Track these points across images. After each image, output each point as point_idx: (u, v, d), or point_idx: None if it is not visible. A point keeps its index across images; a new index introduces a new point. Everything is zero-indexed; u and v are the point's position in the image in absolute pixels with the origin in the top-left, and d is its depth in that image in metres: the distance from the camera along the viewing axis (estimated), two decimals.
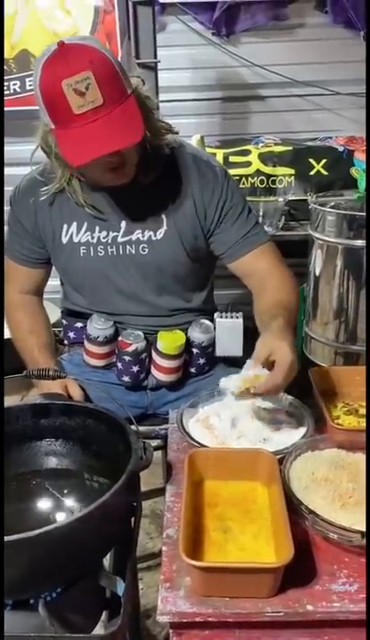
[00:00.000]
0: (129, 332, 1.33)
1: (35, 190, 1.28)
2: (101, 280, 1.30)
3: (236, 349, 1.37)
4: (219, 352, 1.38)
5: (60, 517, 0.97)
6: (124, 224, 1.25)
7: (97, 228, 1.26)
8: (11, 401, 1.14)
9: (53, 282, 1.45)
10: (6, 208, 1.37)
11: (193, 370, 1.39)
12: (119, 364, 1.35)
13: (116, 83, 1.04)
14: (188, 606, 0.72)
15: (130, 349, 1.31)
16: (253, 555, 0.77)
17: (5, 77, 2.29)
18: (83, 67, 0.99)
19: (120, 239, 1.26)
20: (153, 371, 1.36)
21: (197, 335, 1.36)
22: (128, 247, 1.27)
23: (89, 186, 1.23)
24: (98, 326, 1.33)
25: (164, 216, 1.25)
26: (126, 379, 1.35)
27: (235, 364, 1.35)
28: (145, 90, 1.17)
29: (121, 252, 1.27)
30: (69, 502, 1.00)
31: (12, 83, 2.30)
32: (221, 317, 1.38)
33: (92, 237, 1.27)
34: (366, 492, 0.83)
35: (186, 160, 1.26)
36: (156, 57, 2.03)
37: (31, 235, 1.31)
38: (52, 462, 1.03)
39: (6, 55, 2.29)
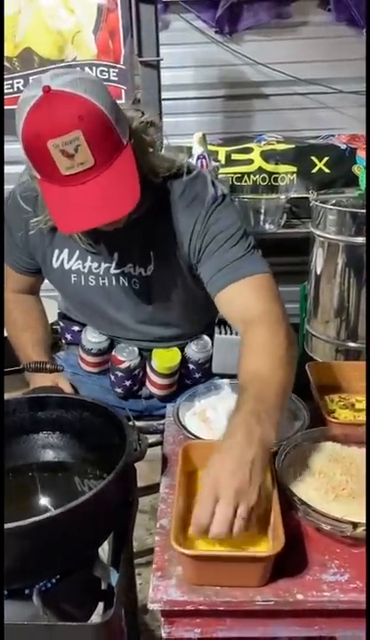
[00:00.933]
0: (123, 346, 1.30)
1: (22, 220, 1.20)
2: (93, 308, 1.27)
3: (233, 367, 1.30)
4: (215, 369, 1.34)
5: (56, 509, 0.98)
6: (116, 255, 1.18)
7: (89, 258, 1.20)
8: (10, 397, 1.15)
9: None
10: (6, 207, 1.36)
11: (189, 382, 1.37)
12: (112, 377, 1.34)
13: (108, 138, 0.93)
14: (179, 595, 0.72)
15: (123, 366, 1.29)
16: (245, 544, 0.77)
17: (9, 76, 2.30)
18: (71, 126, 0.88)
19: (113, 270, 1.20)
20: (147, 384, 1.35)
21: (193, 353, 1.32)
22: (121, 279, 1.20)
23: None
24: (92, 339, 1.31)
25: (151, 253, 1.16)
26: (119, 390, 1.34)
27: (232, 377, 1.31)
28: (145, 119, 1.07)
29: (114, 284, 1.21)
30: (65, 494, 1.01)
31: (15, 81, 2.31)
32: (220, 334, 1.32)
33: (84, 267, 1.21)
34: (366, 487, 0.83)
35: (177, 192, 1.13)
36: (158, 55, 2.04)
37: (23, 250, 1.27)
38: (49, 455, 1.04)
39: (10, 54, 2.30)
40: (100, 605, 0.89)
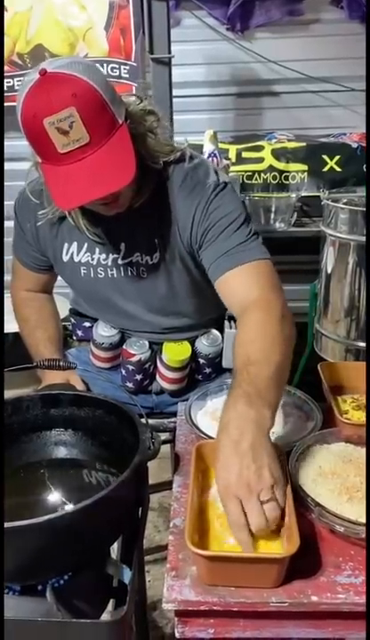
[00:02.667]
0: (134, 340, 1.32)
1: (31, 213, 1.23)
2: (103, 300, 1.28)
3: None
4: (225, 364, 1.34)
5: (68, 506, 0.98)
6: (123, 246, 1.20)
7: (97, 250, 1.22)
8: (22, 394, 1.16)
9: None
10: (6, 204, 1.37)
11: (199, 377, 1.38)
12: (123, 371, 1.35)
13: (103, 116, 0.96)
14: (193, 595, 0.72)
15: (133, 359, 1.30)
16: (259, 545, 0.77)
17: (21, 72, 2.30)
18: (65, 103, 0.91)
19: (121, 261, 1.21)
20: (158, 378, 1.35)
21: (203, 347, 1.33)
22: (129, 269, 1.22)
23: (88, 210, 1.15)
24: (103, 333, 1.32)
25: (156, 240, 1.18)
26: (130, 385, 1.35)
27: None
28: (143, 106, 1.10)
29: (122, 274, 1.22)
30: (77, 492, 1.01)
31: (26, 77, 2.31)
32: (231, 328, 1.33)
33: (92, 259, 1.23)
34: (367, 486, 0.82)
35: (178, 179, 1.15)
36: (170, 52, 2.03)
37: (34, 246, 1.29)
38: (62, 452, 1.04)
39: (21, 50, 2.31)
40: (111, 602, 0.89)
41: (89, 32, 2.30)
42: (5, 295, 1.55)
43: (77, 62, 0.96)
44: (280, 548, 0.76)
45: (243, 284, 1.07)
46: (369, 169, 2.13)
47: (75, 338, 1.48)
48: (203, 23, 2.47)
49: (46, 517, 0.72)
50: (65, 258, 1.25)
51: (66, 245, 1.24)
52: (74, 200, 0.99)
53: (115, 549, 0.96)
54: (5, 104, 2.14)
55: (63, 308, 1.51)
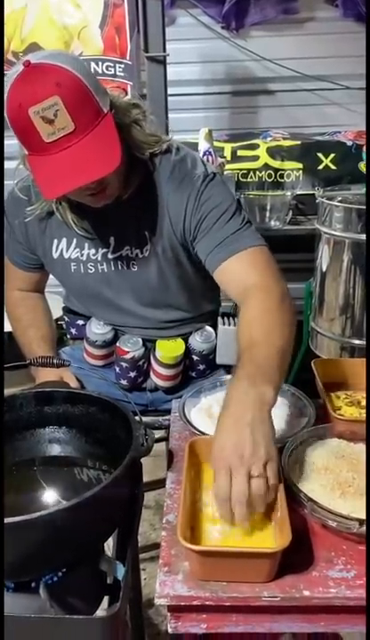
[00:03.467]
0: (127, 337, 1.32)
1: (20, 210, 1.23)
2: (95, 295, 1.28)
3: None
4: (219, 360, 1.35)
5: (62, 503, 0.98)
6: (113, 240, 1.20)
7: (86, 245, 1.22)
8: (16, 392, 1.16)
9: None
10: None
11: (193, 374, 1.38)
12: (117, 369, 1.35)
13: (87, 105, 0.96)
14: (185, 590, 0.72)
15: (127, 357, 1.30)
16: (252, 540, 0.77)
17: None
18: (49, 91, 0.92)
19: (110, 255, 1.21)
20: (152, 375, 1.35)
21: (197, 344, 1.33)
22: (119, 263, 1.22)
23: (76, 204, 1.17)
24: (97, 330, 1.32)
25: (146, 233, 1.18)
26: (124, 382, 1.35)
27: None
28: (127, 99, 1.11)
29: (113, 269, 1.23)
30: (71, 489, 1.01)
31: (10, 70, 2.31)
32: (224, 324, 1.33)
33: (82, 254, 1.23)
34: (366, 483, 0.83)
35: (166, 171, 1.16)
36: (165, 50, 2.04)
37: (25, 245, 1.29)
38: (55, 450, 1.04)
39: (16, 48, 2.30)
40: (106, 599, 0.89)
41: (84, 30, 2.29)
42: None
43: (61, 54, 0.99)
44: (272, 542, 0.76)
45: (241, 272, 1.09)
46: (369, 169, 2.13)
47: (69, 336, 1.48)
48: (198, 21, 2.47)
49: (39, 514, 0.72)
50: (55, 254, 1.25)
51: (55, 242, 1.24)
52: (58, 188, 0.99)
53: (110, 546, 0.96)
54: None
55: (57, 308, 1.51)
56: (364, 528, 0.76)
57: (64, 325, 1.48)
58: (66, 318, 1.44)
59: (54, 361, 1.07)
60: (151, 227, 1.18)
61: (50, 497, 0.99)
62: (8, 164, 1.23)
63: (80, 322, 1.40)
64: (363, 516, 0.78)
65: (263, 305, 0.99)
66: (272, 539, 0.77)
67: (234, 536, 0.78)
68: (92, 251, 1.22)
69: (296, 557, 0.75)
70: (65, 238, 1.23)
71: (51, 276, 1.42)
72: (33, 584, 0.82)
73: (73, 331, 1.43)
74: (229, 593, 0.72)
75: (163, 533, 0.82)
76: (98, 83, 1.00)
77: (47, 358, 1.05)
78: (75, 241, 1.23)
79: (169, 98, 2.05)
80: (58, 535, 0.76)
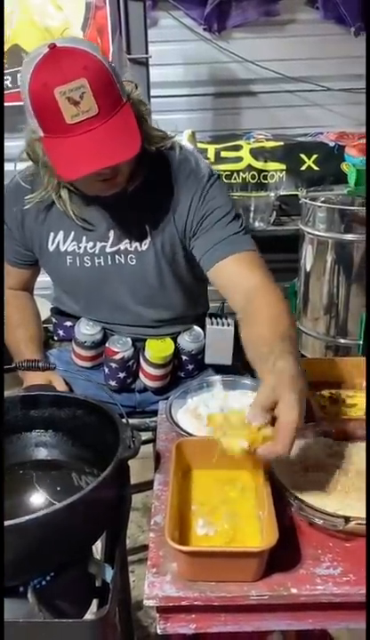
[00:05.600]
0: (117, 337, 1.32)
1: (20, 198, 1.23)
2: (88, 290, 1.28)
3: (225, 358, 1.34)
4: (208, 360, 1.36)
5: (49, 507, 0.98)
6: (112, 233, 1.21)
7: (84, 238, 1.23)
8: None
9: (45, 278, 1.45)
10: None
11: (182, 374, 1.39)
12: (106, 369, 1.34)
13: (111, 91, 0.99)
14: (174, 591, 0.73)
15: (117, 357, 1.30)
16: (239, 540, 0.78)
17: None
18: (77, 74, 0.94)
19: (108, 249, 1.22)
20: (141, 376, 1.35)
21: (186, 343, 1.34)
22: (117, 257, 1.23)
23: (77, 195, 1.19)
24: (86, 331, 1.32)
25: (147, 227, 1.20)
26: (113, 383, 1.35)
27: (224, 370, 1.34)
28: (137, 95, 1.13)
29: (110, 263, 1.23)
30: (59, 492, 1.01)
31: (4, 78, 2.30)
32: (212, 324, 1.35)
33: (79, 247, 1.23)
34: (367, 483, 0.83)
35: (171, 167, 1.19)
36: (147, 52, 2.04)
37: (18, 240, 1.29)
38: (42, 453, 1.03)
39: None
40: (95, 602, 0.89)
41: (66, 32, 2.28)
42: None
43: (84, 40, 1.04)
44: (259, 541, 0.77)
45: (240, 272, 1.12)
46: (369, 169, 2.15)
47: (56, 338, 1.47)
48: (180, 23, 2.48)
49: (26, 518, 0.72)
50: (50, 247, 1.25)
51: (51, 234, 1.24)
52: (80, 169, 0.99)
53: (98, 549, 0.96)
54: None
55: (44, 310, 1.51)
56: (350, 525, 0.77)
57: (51, 327, 1.47)
58: (53, 319, 1.44)
59: (39, 364, 1.06)
60: (153, 221, 1.20)
61: (37, 500, 0.99)
62: (8, 166, 1.22)
63: (68, 323, 1.39)
64: (349, 513, 0.79)
65: (278, 306, 1.03)
66: (259, 538, 0.77)
67: (222, 535, 0.79)
68: (90, 244, 1.23)
69: (284, 556, 0.76)
70: (62, 231, 1.23)
71: (38, 279, 1.42)
72: (21, 588, 0.82)
73: (60, 332, 1.42)
74: (218, 593, 0.72)
75: (151, 535, 0.82)
76: (117, 73, 1.03)
77: (33, 362, 1.04)
78: (72, 234, 1.23)
79: (152, 100, 2.06)
80: (46, 539, 0.76)
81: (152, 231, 1.20)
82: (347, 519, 0.77)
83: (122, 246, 1.22)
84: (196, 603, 0.72)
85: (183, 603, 0.72)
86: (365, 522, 0.76)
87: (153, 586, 0.73)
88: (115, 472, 0.82)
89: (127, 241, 1.21)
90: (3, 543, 0.71)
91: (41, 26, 2.27)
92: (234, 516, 0.81)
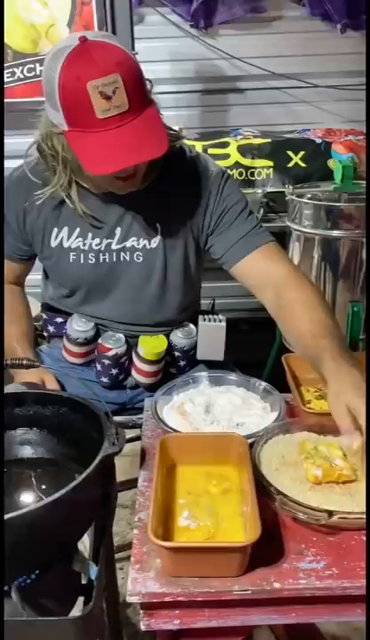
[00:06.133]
0: (110, 334, 1.31)
1: (28, 192, 1.21)
2: (88, 287, 1.27)
3: (217, 354, 1.34)
4: (200, 356, 1.36)
5: (33, 504, 0.97)
6: (119, 230, 1.21)
7: (89, 235, 1.22)
8: None
9: (35, 276, 1.44)
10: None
11: (174, 370, 1.38)
12: (98, 366, 1.33)
13: (140, 88, 0.99)
14: (157, 587, 0.73)
15: (110, 354, 1.29)
16: (223, 536, 0.78)
17: None
18: (111, 69, 0.94)
19: (115, 246, 1.22)
20: (133, 373, 1.35)
21: (178, 340, 1.34)
22: (122, 254, 1.23)
23: (85, 190, 1.18)
24: (78, 328, 1.31)
25: (158, 224, 1.21)
26: (105, 380, 1.34)
27: (216, 365, 1.34)
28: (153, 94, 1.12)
29: (115, 260, 1.23)
30: (44, 491, 1.00)
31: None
32: (205, 320, 1.35)
33: (84, 244, 1.23)
34: (366, 483, 0.84)
35: (183, 166, 1.21)
36: (133, 49, 2.03)
37: (18, 234, 1.27)
38: (27, 451, 1.03)
39: None
40: (81, 600, 0.89)
41: (51, 29, 2.27)
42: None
43: (112, 36, 1.03)
44: (242, 536, 0.77)
45: (269, 264, 1.16)
46: (369, 167, 2.15)
47: (46, 334, 1.46)
48: (166, 20, 2.47)
49: (8, 516, 0.71)
50: (53, 243, 1.24)
51: (55, 230, 1.23)
52: (109, 165, 0.99)
53: (87, 547, 0.96)
54: None
55: (34, 309, 1.49)
56: (333, 519, 0.78)
57: (42, 323, 1.45)
58: (44, 316, 1.42)
59: (24, 362, 1.06)
60: (164, 219, 1.20)
61: (23, 499, 0.99)
62: (8, 164, 1.21)
63: (59, 319, 1.38)
64: (333, 507, 0.79)
65: (313, 292, 1.11)
66: (242, 534, 0.77)
67: (206, 532, 0.79)
68: (97, 240, 1.22)
69: (267, 551, 0.76)
70: (66, 227, 1.22)
71: (28, 277, 1.41)
72: (5, 588, 0.81)
73: (51, 328, 1.41)
74: (201, 588, 0.72)
75: (135, 531, 0.82)
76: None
77: (17, 360, 1.04)
78: (77, 230, 1.22)
79: None
80: (29, 537, 0.75)
81: (163, 229, 1.21)
82: (330, 513, 0.78)
83: (128, 243, 1.22)
84: (179, 598, 0.72)
85: (166, 599, 0.72)
86: (358, 515, 0.77)
87: (136, 582, 0.73)
88: (99, 469, 0.82)
89: (135, 238, 1.21)
90: (3, 542, 0.71)
91: (27, 22, 2.26)
92: (215, 515, 0.81)
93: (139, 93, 0.98)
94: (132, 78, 0.96)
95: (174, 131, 1.20)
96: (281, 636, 1.34)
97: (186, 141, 2.18)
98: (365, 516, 0.78)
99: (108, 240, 1.22)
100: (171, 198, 1.19)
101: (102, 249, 1.23)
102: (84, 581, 0.88)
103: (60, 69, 0.96)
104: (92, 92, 0.94)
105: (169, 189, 1.19)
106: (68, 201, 1.18)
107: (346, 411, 0.87)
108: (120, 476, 1.02)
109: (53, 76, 0.97)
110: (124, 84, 0.94)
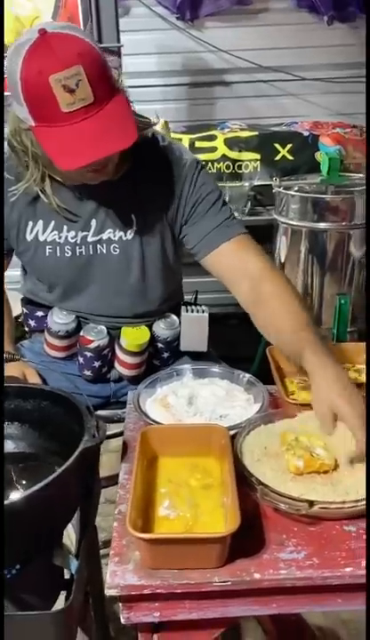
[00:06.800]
0: (91, 326, 1.29)
1: (5, 189, 1.19)
2: (67, 280, 1.26)
3: (200, 344, 1.34)
4: (183, 347, 1.35)
5: (14, 498, 0.96)
6: (94, 223, 1.20)
7: (65, 228, 1.20)
8: None
9: (14, 272, 1.42)
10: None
11: (157, 362, 1.38)
12: (81, 359, 1.32)
13: (105, 78, 0.96)
14: (136, 579, 0.72)
15: (92, 346, 1.28)
16: (202, 528, 0.77)
17: None
18: (72, 60, 0.91)
19: (90, 238, 1.21)
20: (116, 365, 1.34)
21: (161, 331, 1.33)
22: (99, 246, 1.21)
23: (59, 184, 1.16)
24: (59, 320, 1.29)
25: (133, 216, 1.19)
26: (88, 373, 1.33)
27: (199, 357, 1.34)
28: (121, 83, 1.09)
29: (91, 252, 1.21)
30: (26, 485, 0.99)
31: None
32: (187, 312, 1.34)
33: (60, 237, 1.21)
34: (367, 482, 0.83)
35: (156, 155, 1.19)
36: (119, 41, 2.01)
37: None
38: (9, 446, 1.02)
39: None
40: (64, 594, 0.88)
41: (36, 21, 2.24)
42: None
43: (74, 27, 0.99)
44: (222, 527, 0.76)
45: (242, 256, 1.15)
46: (369, 166, 2.14)
47: (27, 329, 1.45)
48: (152, 12, 2.45)
49: None
50: (29, 237, 1.22)
51: (30, 224, 1.22)
52: (78, 159, 0.97)
53: (73, 541, 0.94)
54: None
55: (15, 306, 1.47)
56: (313, 509, 0.77)
57: (22, 318, 1.44)
58: (25, 310, 1.41)
59: (6, 356, 1.05)
60: (139, 209, 1.19)
61: (6, 494, 0.98)
62: None
63: (40, 313, 1.37)
64: (313, 497, 0.79)
65: (289, 286, 1.11)
66: (223, 525, 0.77)
67: (187, 524, 0.78)
68: (72, 233, 1.21)
69: (248, 541, 0.76)
70: (41, 220, 1.21)
71: (6, 274, 1.39)
72: None
73: (32, 323, 1.39)
74: (180, 580, 0.71)
75: (114, 524, 0.81)
76: (107, 61, 1.00)
77: None
78: (52, 223, 1.21)
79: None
80: (11, 531, 0.74)
81: (138, 220, 1.19)
82: (311, 503, 0.77)
83: (104, 235, 1.20)
84: (158, 591, 0.71)
85: (146, 591, 0.71)
86: (329, 505, 0.76)
87: (115, 575, 0.73)
88: (79, 462, 0.81)
89: (110, 230, 1.20)
90: (3, 540, 0.70)
91: (11, 14, 2.23)
92: (195, 507, 0.80)
93: (104, 84, 0.96)
94: (95, 69, 0.93)
95: (145, 118, 1.17)
96: (269, 631, 1.34)
97: (173, 134, 2.20)
98: (345, 506, 0.78)
99: (84, 233, 1.20)
100: (145, 188, 1.18)
101: (78, 242, 1.21)
102: (67, 576, 0.88)
103: (21, 64, 0.94)
104: (54, 85, 0.91)
105: (142, 178, 1.18)
106: (42, 195, 1.16)
107: (328, 410, 0.92)
108: (107, 472, 1.01)
109: (15, 70, 0.95)
110: (87, 76, 0.92)
